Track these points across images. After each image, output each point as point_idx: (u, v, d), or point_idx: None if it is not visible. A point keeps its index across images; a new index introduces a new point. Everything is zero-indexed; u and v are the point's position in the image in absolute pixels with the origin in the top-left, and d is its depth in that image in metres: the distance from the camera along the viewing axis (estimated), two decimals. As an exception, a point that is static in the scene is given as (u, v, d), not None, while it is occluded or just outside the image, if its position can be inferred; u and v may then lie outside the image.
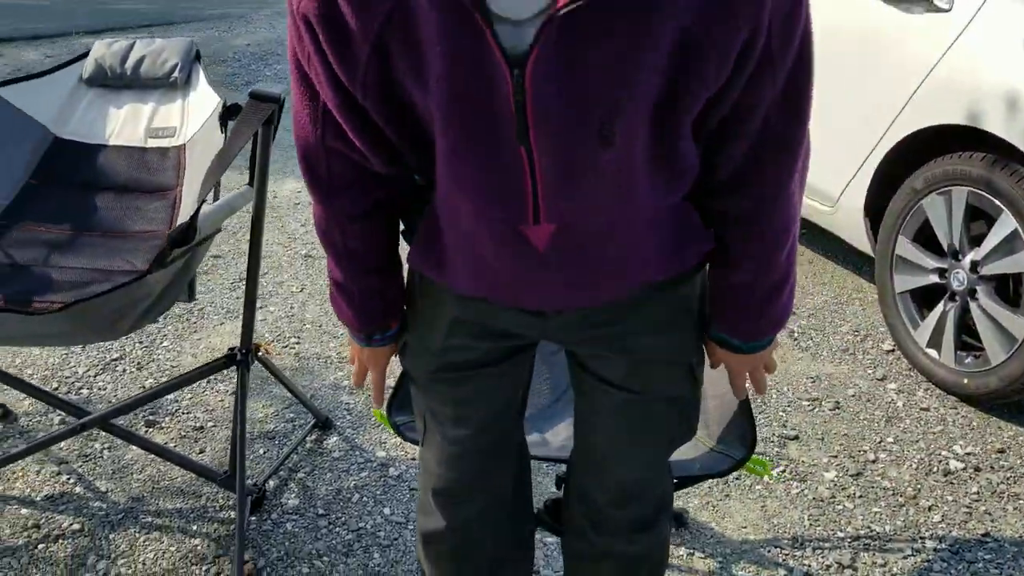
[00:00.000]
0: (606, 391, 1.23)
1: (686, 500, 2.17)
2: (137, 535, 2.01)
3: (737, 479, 2.24)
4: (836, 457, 2.33)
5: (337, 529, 2.04)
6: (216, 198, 2.04)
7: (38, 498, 2.12)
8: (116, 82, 2.19)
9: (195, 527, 2.04)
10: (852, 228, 2.95)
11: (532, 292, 1.10)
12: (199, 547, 1.98)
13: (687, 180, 1.06)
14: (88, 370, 2.65)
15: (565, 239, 1.03)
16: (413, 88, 0.94)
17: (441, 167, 1.00)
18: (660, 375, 1.21)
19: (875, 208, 2.85)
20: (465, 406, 1.25)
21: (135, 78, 2.18)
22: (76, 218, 2.04)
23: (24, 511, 2.08)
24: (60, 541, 1.99)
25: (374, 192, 1.10)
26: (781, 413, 2.51)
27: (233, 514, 2.08)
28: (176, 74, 2.16)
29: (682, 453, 1.59)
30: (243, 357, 1.91)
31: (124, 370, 2.65)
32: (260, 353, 2.05)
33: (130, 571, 1.91)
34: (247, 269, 1.85)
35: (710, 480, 2.22)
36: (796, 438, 2.40)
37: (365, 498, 2.14)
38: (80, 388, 2.57)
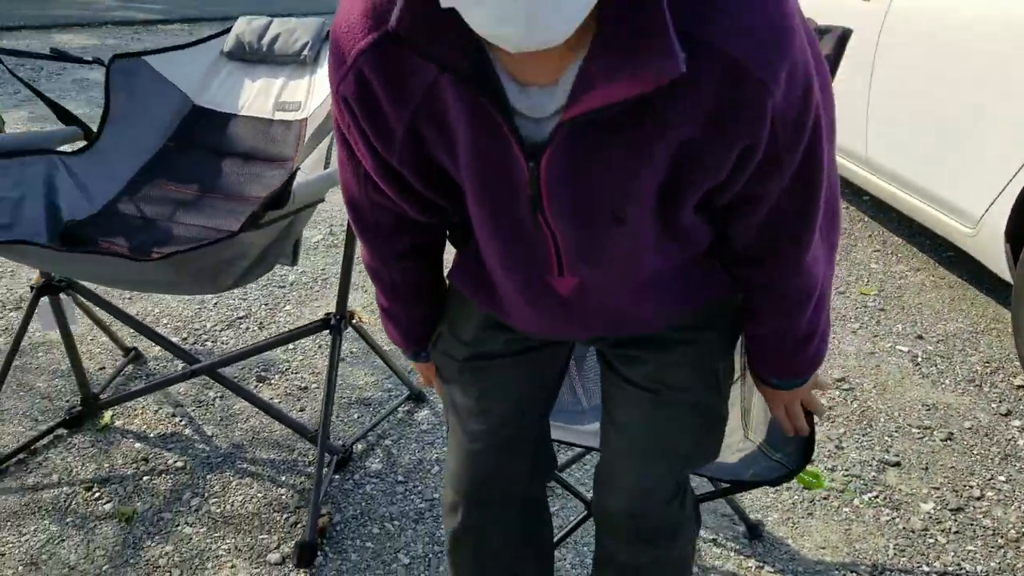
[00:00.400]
0: (630, 391, 1.25)
1: (765, 512, 2.11)
2: (231, 479, 2.15)
3: (825, 499, 2.15)
4: (938, 489, 2.20)
5: (412, 497, 2.11)
6: (327, 168, 2.15)
7: (151, 435, 2.31)
8: (252, 56, 2.35)
9: (284, 478, 2.16)
10: (992, 253, 2.76)
11: (558, 328, 1.20)
12: (284, 496, 2.10)
13: (699, 246, 1.13)
14: (216, 325, 2.85)
15: (587, 290, 1.13)
16: (446, 162, 1.02)
17: (475, 226, 1.11)
18: (684, 376, 1.23)
19: (1019, 233, 2.66)
20: (488, 398, 1.29)
21: (269, 53, 2.32)
22: (202, 180, 2.21)
23: (137, 445, 2.27)
24: (163, 475, 2.16)
25: (414, 237, 1.19)
26: (887, 438, 2.39)
27: (325, 470, 2.18)
28: (306, 52, 2.29)
29: (737, 457, 1.56)
30: (336, 323, 2.01)
31: (247, 328, 2.83)
32: (354, 321, 2.15)
33: (219, 510, 2.05)
34: (345, 239, 1.94)
35: (794, 495, 2.15)
36: (897, 465, 2.28)
37: (444, 471, 2.20)
38: (205, 340, 2.76)
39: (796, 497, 2.16)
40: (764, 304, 1.15)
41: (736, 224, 1.07)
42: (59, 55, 2.14)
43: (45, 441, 2.26)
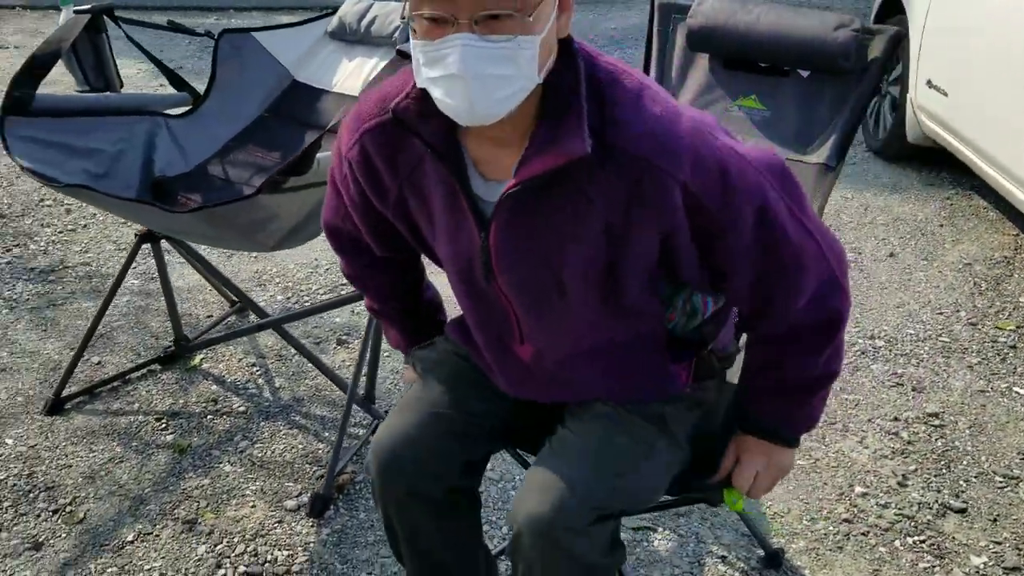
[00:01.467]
0: (580, 425, 1.34)
1: (790, 539, 2.00)
2: (281, 428, 2.31)
3: (864, 534, 2.01)
4: (999, 544, 1.99)
5: (438, 469, 2.17)
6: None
7: (228, 379, 2.51)
8: (351, 37, 2.48)
9: (327, 434, 2.29)
10: None
11: (524, 390, 1.37)
12: (320, 451, 2.22)
13: (648, 324, 1.27)
14: (319, 288, 3.04)
15: (543, 358, 1.30)
16: (424, 227, 1.27)
17: (451, 285, 1.32)
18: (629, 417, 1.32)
19: None
20: (454, 392, 1.39)
21: (366, 35, 2.44)
22: (286, 149, 2.37)
23: (213, 387, 2.48)
24: (224, 417, 2.35)
25: (385, 254, 1.42)
26: (962, 482, 2.19)
27: (362, 432, 2.30)
28: (397, 34, 2.39)
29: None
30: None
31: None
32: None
33: (260, 455, 2.21)
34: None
35: (830, 526, 2.02)
36: (962, 512, 2.09)
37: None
38: (306, 302, 2.96)
39: (831, 528, 2.03)
40: (766, 356, 1.29)
41: (729, 293, 1.24)
42: (175, 27, 2.37)
43: (139, 374, 2.52)
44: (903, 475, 2.21)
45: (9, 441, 2.22)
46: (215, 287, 2.78)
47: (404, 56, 1.84)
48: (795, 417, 1.34)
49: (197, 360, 2.60)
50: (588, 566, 1.23)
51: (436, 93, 1.06)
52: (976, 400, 2.53)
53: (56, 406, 2.34)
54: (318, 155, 1.78)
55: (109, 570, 1.84)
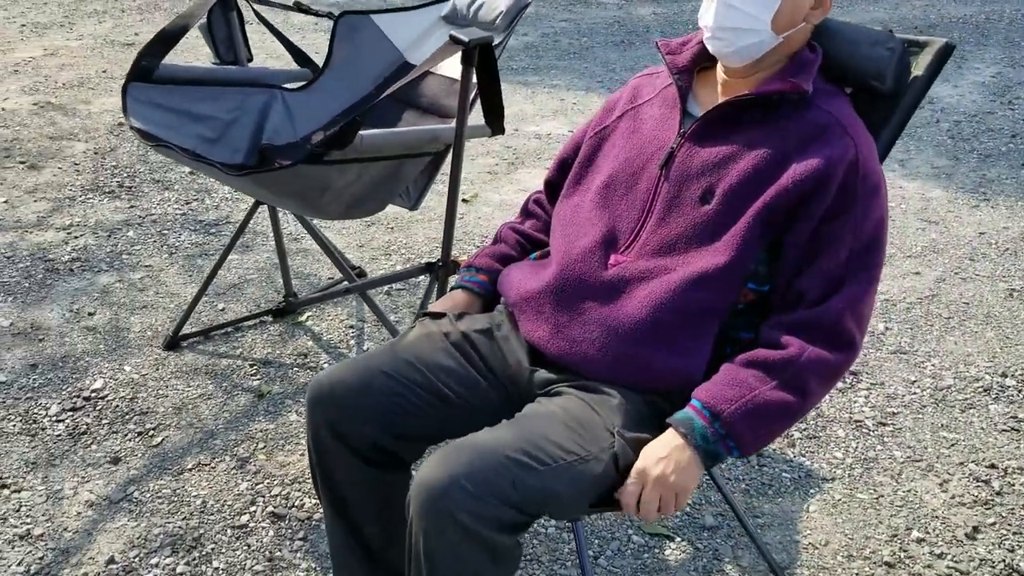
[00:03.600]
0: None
1: (815, 572, 1.87)
2: (352, 388, 2.45)
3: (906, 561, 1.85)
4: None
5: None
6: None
7: (324, 338, 2.70)
8: (461, 21, 2.56)
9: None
10: None
11: (554, 338, 1.42)
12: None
13: (723, 296, 1.35)
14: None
15: (620, 285, 1.40)
16: (608, 146, 1.55)
17: (586, 200, 1.52)
18: (582, 407, 1.35)
19: None
20: (425, 362, 1.46)
21: (474, 19, 2.51)
22: (382, 124, 2.49)
23: (309, 343, 2.67)
24: (308, 370, 2.53)
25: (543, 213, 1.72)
26: (1047, 545, 1.95)
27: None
28: (499, 20, 2.45)
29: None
30: (436, 267, 2.18)
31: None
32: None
33: (283, 426, 2.36)
34: (448, 193, 2.09)
35: (859, 566, 1.88)
36: (1031, 578, 1.86)
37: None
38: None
39: (866, 570, 1.88)
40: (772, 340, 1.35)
41: (784, 277, 1.36)
42: (300, 7, 2.56)
43: (251, 323, 2.77)
44: (975, 527, 2.00)
45: (127, 368, 2.52)
46: (333, 256, 2.98)
47: (456, 42, 1.90)
48: (729, 400, 1.29)
49: (304, 317, 2.81)
50: (481, 539, 1.20)
51: (701, 21, 1.43)
52: (1105, 459, 2.22)
53: (173, 343, 2.62)
54: (362, 132, 1.88)
55: (164, 491, 2.06)
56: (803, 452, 2.26)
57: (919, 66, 1.46)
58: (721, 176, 1.38)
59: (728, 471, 2.18)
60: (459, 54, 2.11)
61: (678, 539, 1.96)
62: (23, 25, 6.20)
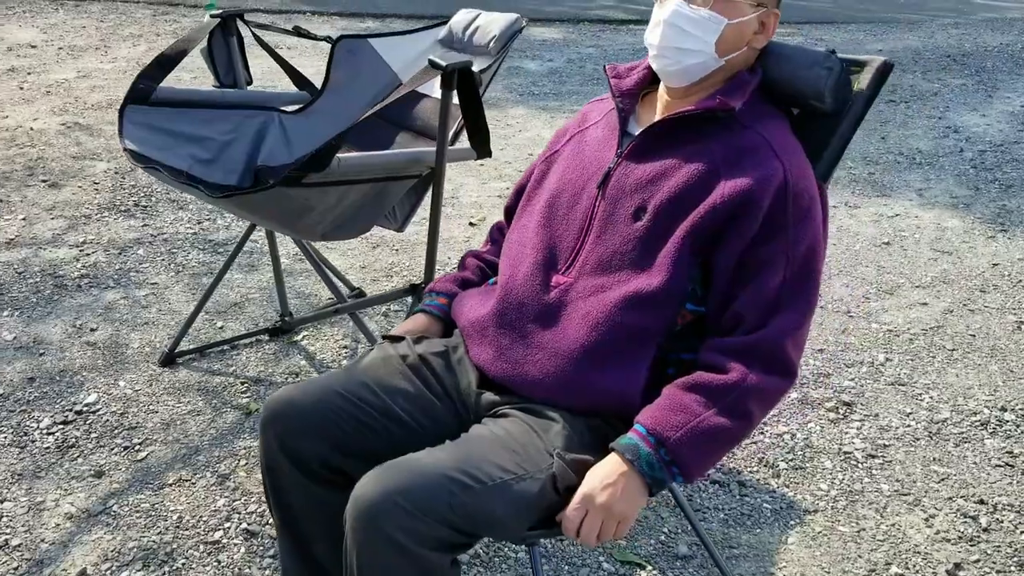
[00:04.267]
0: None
1: (786, 605, 1.84)
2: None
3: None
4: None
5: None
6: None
7: (318, 357, 2.72)
8: (457, 46, 2.58)
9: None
10: None
11: (500, 362, 1.44)
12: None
13: (662, 312, 1.36)
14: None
15: (563, 304, 1.42)
16: (554, 166, 1.59)
17: (527, 222, 1.56)
18: (522, 430, 1.36)
19: None
20: (383, 385, 1.48)
21: (468, 44, 2.54)
22: (375, 146, 2.52)
23: (302, 362, 2.69)
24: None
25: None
26: (1031, 585, 1.89)
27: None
28: (492, 44, 2.47)
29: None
30: (420, 289, 2.20)
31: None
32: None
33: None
34: (431, 212, 2.11)
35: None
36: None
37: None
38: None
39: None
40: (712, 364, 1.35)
41: (718, 297, 1.37)
42: (299, 32, 2.61)
43: (247, 342, 2.80)
44: (957, 563, 1.95)
45: (122, 383, 2.56)
46: (334, 276, 3.01)
47: (434, 66, 1.92)
48: (675, 427, 1.29)
49: (300, 336, 2.84)
50: (413, 557, 1.21)
51: (647, 40, 1.47)
52: (1102, 498, 2.16)
53: (169, 359, 2.66)
54: (339, 155, 1.90)
55: (143, 505, 2.08)
56: (787, 483, 2.22)
57: (861, 82, 1.46)
58: (653, 193, 1.41)
59: (708, 500, 2.15)
60: (438, 78, 2.13)
61: (649, 567, 1.94)
62: (60, 48, 6.38)
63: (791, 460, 2.31)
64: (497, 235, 1.77)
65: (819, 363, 2.78)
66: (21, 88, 5.37)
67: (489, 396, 1.47)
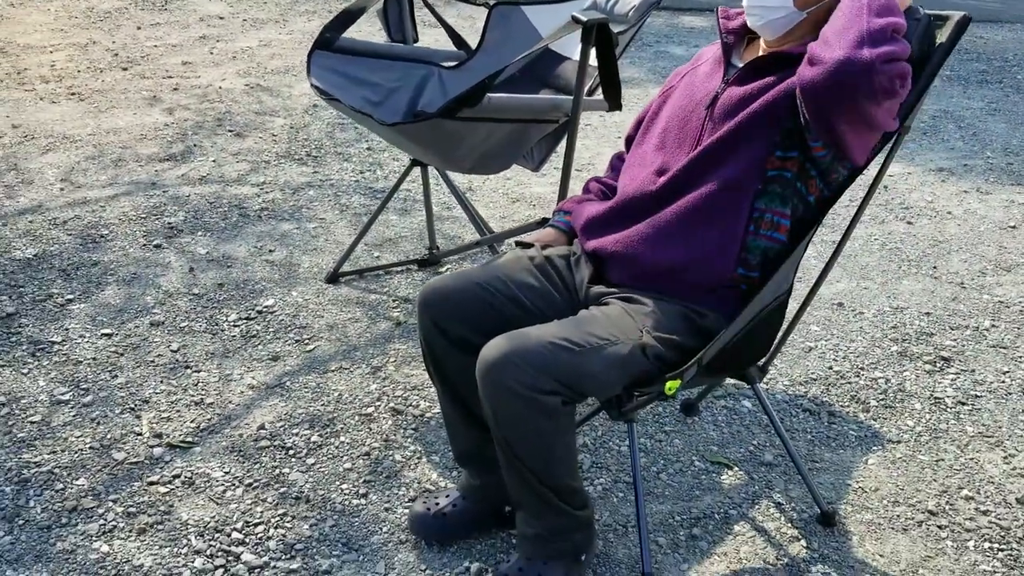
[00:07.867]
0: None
1: (858, 510, 2.05)
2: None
3: (940, 527, 2.00)
4: (1089, 576, 1.87)
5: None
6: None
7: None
8: (601, 13, 2.88)
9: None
10: None
11: (612, 246, 1.77)
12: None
13: (744, 189, 1.67)
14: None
15: (666, 192, 1.72)
16: (667, 99, 1.91)
17: (647, 133, 1.90)
18: (622, 315, 1.68)
19: None
20: (503, 279, 1.80)
21: (610, 12, 2.83)
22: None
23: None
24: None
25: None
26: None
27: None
28: (631, 13, 2.75)
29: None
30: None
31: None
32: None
33: (412, 347, 2.74)
34: (564, 155, 2.42)
35: (902, 511, 2.05)
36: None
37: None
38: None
39: (907, 513, 2.05)
40: None
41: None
42: (462, -4, 2.96)
43: (399, 269, 3.19)
44: (1027, 494, 2.11)
45: (294, 293, 3.00)
46: (472, 214, 3.36)
47: (576, 21, 2.22)
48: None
49: (444, 268, 3.21)
50: (527, 399, 1.54)
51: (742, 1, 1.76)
52: None
53: (334, 278, 3.08)
54: (490, 94, 2.24)
55: (310, 384, 2.49)
56: (875, 417, 2.42)
57: (943, 35, 1.66)
58: (748, 105, 1.68)
59: (797, 423, 2.38)
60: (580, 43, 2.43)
61: (736, 469, 2.19)
62: (244, 20, 7.04)
63: (882, 400, 2.50)
64: (617, 162, 2.06)
65: (924, 324, 2.93)
66: (211, 53, 6.01)
67: (597, 288, 1.79)
